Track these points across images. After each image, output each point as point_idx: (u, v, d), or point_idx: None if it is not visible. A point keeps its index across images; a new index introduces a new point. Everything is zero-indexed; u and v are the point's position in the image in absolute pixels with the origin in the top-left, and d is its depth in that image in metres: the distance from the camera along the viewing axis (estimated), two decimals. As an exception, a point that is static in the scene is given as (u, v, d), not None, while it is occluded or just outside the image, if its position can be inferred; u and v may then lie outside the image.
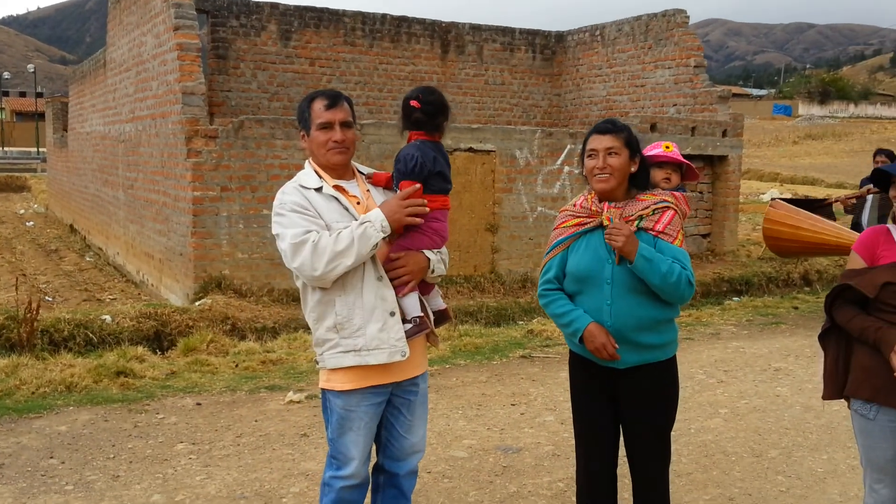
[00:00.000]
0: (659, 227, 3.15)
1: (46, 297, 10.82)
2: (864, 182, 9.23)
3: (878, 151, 8.99)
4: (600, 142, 3.18)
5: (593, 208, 3.23)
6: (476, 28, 16.34)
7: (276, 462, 4.80)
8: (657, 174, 3.62)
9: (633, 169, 3.22)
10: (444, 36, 15.90)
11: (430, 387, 6.30)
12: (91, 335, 7.93)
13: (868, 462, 3.17)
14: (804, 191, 28.20)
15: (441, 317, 3.41)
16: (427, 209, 3.14)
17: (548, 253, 3.33)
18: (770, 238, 9.51)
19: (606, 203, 3.21)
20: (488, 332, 8.42)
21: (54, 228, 19.80)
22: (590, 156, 3.22)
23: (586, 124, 15.85)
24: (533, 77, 16.81)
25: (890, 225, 3.18)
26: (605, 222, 3.15)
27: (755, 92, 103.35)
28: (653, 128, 12.33)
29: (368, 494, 3.36)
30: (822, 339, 3.29)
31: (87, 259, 15.05)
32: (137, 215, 12.23)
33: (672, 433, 5.31)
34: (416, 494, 4.28)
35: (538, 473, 4.70)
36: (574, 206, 3.32)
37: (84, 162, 17.33)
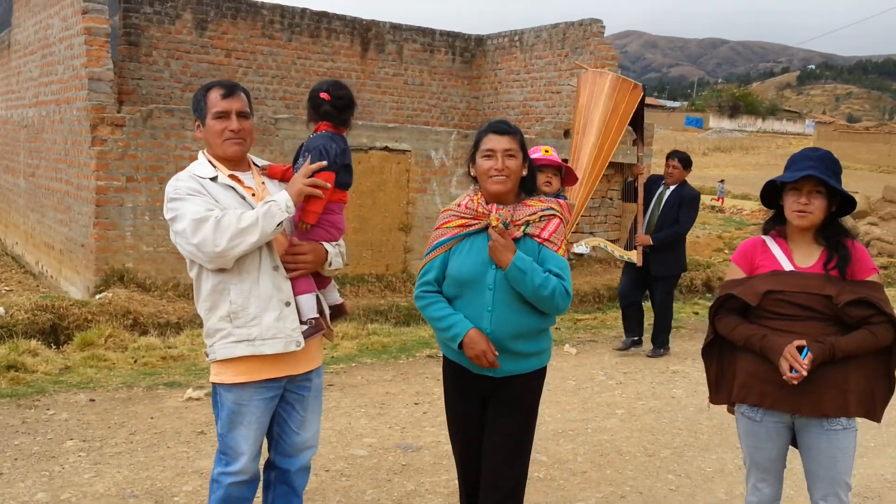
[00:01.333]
0: (545, 234, 3.13)
1: (-64, 287, 10.31)
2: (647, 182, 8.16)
3: (672, 154, 8.10)
4: (499, 142, 3.11)
5: (479, 210, 3.14)
6: (397, 27, 16.32)
7: (170, 460, 4.69)
8: (538, 178, 3.64)
9: (524, 173, 3.19)
10: (365, 34, 15.83)
11: (334, 385, 6.29)
12: (-19, 327, 7.59)
13: (753, 462, 3.28)
14: (711, 201, 29.19)
15: (337, 311, 3.41)
16: (329, 187, 3.11)
17: (428, 253, 3.24)
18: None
19: (494, 205, 3.15)
20: (397, 331, 8.43)
21: (-51, 215, 18.85)
22: (486, 156, 3.13)
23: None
24: (452, 79, 16.89)
25: (765, 237, 3.28)
26: (494, 222, 3.08)
27: (669, 103, 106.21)
28: (566, 133, 12.57)
29: (260, 492, 3.33)
30: (705, 351, 3.38)
31: (-17, 248, 14.39)
32: (38, 204, 11.77)
33: (570, 433, 5.46)
34: (312, 493, 4.26)
35: (436, 472, 4.73)
36: (458, 206, 3.23)
37: (-17, 146, 16.56)
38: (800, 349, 3.00)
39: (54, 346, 7.45)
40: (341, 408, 5.80)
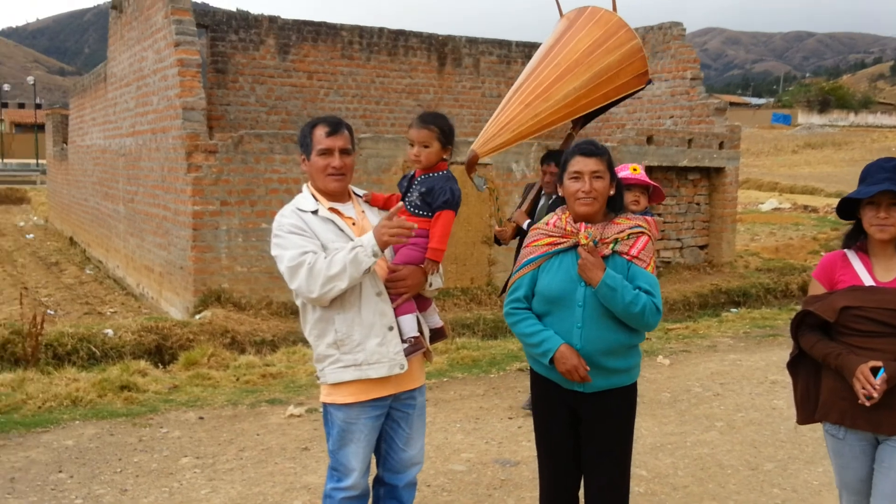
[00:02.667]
0: (634, 251, 3.15)
1: (49, 311, 10.90)
2: (527, 189, 6.52)
3: (548, 157, 6.18)
4: (586, 164, 3.16)
5: (568, 228, 3.20)
6: (472, 41, 16.46)
7: (279, 476, 4.87)
8: (626, 197, 3.63)
9: (611, 192, 3.22)
10: (441, 49, 16.02)
11: (429, 400, 6.38)
12: (94, 349, 8.01)
13: (842, 483, 3.22)
14: (804, 200, 28.32)
15: (437, 334, 3.50)
16: (412, 228, 3.18)
17: (517, 271, 3.30)
18: None
19: (583, 224, 3.18)
20: (485, 344, 8.48)
21: (54, 241, 19.89)
22: (574, 178, 3.18)
23: (583, 136, 15.93)
24: (531, 89, 16.90)
25: (846, 250, 3.22)
26: (583, 240, 3.14)
27: (754, 101, 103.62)
28: (649, 140, 12.44)
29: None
30: (791, 367, 3.33)
31: (88, 272, 15.13)
32: (137, 228, 12.32)
33: (669, 446, 5.41)
34: (415, 508, 4.35)
35: (535, 487, 4.73)
36: (547, 224, 3.28)
37: (84, 175, 17.43)
38: (875, 370, 2.95)
39: (160, 366, 7.78)
40: (437, 423, 5.89)
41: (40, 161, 44.68)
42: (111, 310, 11.55)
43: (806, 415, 3.30)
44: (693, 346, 8.66)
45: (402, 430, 3.39)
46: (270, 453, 5.26)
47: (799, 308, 3.28)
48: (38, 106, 65.64)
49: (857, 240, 3.19)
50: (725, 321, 10.20)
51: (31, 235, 20.89)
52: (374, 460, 3.43)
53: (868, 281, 3.08)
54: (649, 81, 5.31)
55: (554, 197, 5.93)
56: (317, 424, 5.74)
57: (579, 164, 3.18)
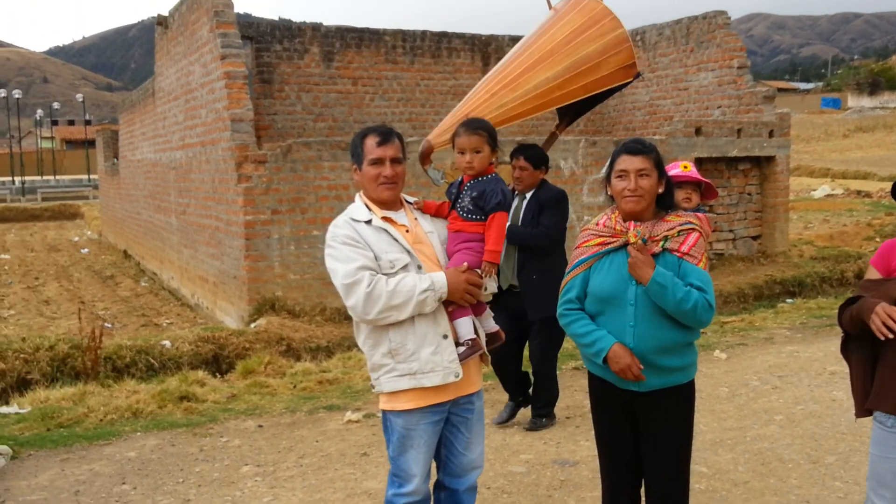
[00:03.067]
0: (684, 248, 3.13)
1: (106, 324, 11.17)
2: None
3: (518, 151, 5.71)
4: (631, 163, 3.16)
5: (617, 227, 3.20)
6: (516, 39, 16.40)
7: (339, 482, 4.92)
8: (678, 194, 3.58)
9: (660, 190, 3.20)
10: (485, 49, 16.02)
11: (485, 402, 6.38)
12: (152, 361, 8.19)
13: (874, 473, 3.08)
14: (857, 185, 27.65)
15: (493, 338, 3.50)
16: (483, 285, 3.27)
17: (569, 272, 3.30)
18: None
19: (631, 222, 3.18)
20: (539, 344, 8.44)
21: (109, 255, 20.36)
22: (620, 176, 3.18)
23: (630, 130, 15.81)
24: (574, 85, 16.80)
25: None
26: (632, 238, 3.11)
27: (802, 86, 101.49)
28: (698, 131, 12.27)
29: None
30: (844, 352, 3.20)
31: (143, 284, 15.46)
32: (190, 240, 12.55)
33: (728, 442, 5.34)
34: (476, 511, 4.36)
35: (595, 486, 4.72)
36: (597, 224, 3.29)
37: (136, 188, 17.82)
38: None
39: (218, 375, 7.92)
40: (494, 425, 5.88)
41: (92, 176, 45.79)
42: (167, 321, 11.79)
43: (861, 406, 3.17)
44: (749, 339, 8.52)
45: (461, 435, 3.40)
46: (330, 459, 5.32)
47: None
48: (88, 122, 67.33)
49: None
50: (781, 312, 10.01)
51: (86, 250, 21.43)
52: (434, 465, 3.45)
53: None
54: (638, 75, 4.95)
55: (528, 195, 5.65)
56: (375, 430, 5.79)
57: (625, 162, 3.18)
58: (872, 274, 3.12)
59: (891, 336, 2.80)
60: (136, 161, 17.95)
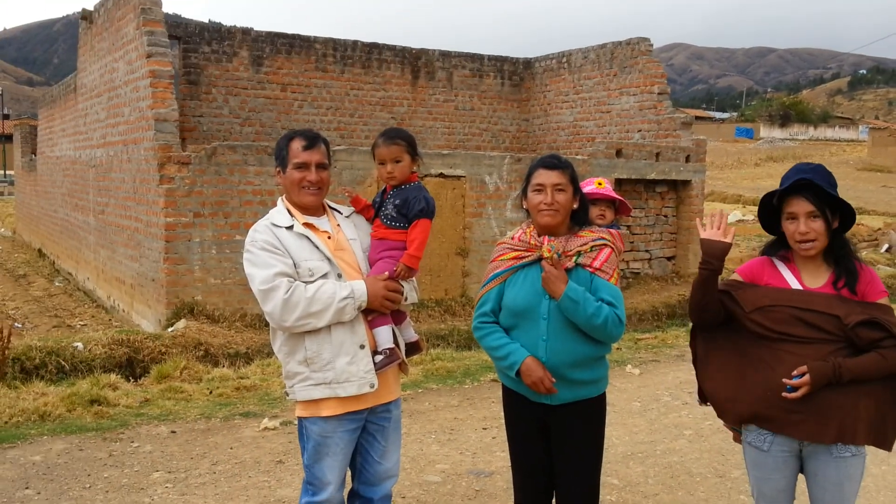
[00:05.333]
0: (596, 263, 3.18)
1: (16, 324, 10.76)
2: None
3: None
4: (548, 177, 3.20)
5: (532, 242, 3.24)
6: (446, 55, 16.59)
7: (253, 490, 4.87)
8: (592, 211, 3.64)
9: (574, 206, 3.26)
10: (415, 62, 16.12)
11: (404, 411, 6.42)
12: (63, 363, 7.92)
13: (760, 494, 3.16)
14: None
15: (413, 348, 3.53)
16: (403, 294, 3.31)
17: (484, 285, 3.33)
18: None
19: (546, 237, 3.22)
20: (460, 355, 8.54)
21: (22, 253, 19.62)
22: (536, 190, 3.22)
23: (554, 149, 16.14)
24: (502, 103, 17.08)
25: (773, 258, 3.18)
26: (546, 253, 3.15)
27: (718, 115, 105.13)
28: (619, 153, 12.62)
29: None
30: (693, 341, 3.31)
31: (57, 284, 14.96)
32: (108, 240, 12.22)
33: (639, 455, 5.50)
34: (391, 519, 4.38)
35: (509, 497, 4.79)
36: (512, 238, 3.33)
37: (54, 186, 17.25)
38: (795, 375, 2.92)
39: (132, 380, 7.73)
40: (412, 434, 5.92)
41: (7, 172, 43.96)
42: (81, 323, 11.43)
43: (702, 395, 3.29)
44: (662, 356, 8.79)
45: (377, 443, 3.40)
46: (244, 467, 5.26)
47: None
48: (6, 116, 64.61)
49: (778, 250, 3.16)
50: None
51: (-3, 247, 20.60)
52: (349, 474, 3.45)
53: (796, 286, 3.04)
54: None
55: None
56: (291, 437, 5.75)
57: (542, 176, 3.23)
58: (736, 279, 3.20)
59: (786, 395, 2.91)
60: (54, 158, 17.38)
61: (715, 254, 3.07)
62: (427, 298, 10.94)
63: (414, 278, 3.46)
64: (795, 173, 3.04)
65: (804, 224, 2.99)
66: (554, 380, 3.15)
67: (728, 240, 3.08)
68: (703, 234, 3.11)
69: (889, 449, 3.06)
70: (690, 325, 3.34)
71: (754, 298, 3.04)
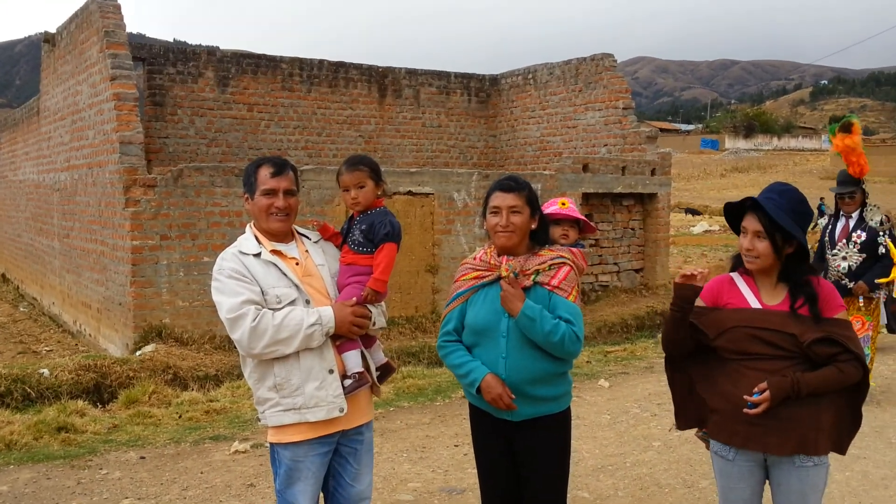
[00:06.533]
0: (554, 282, 3.23)
1: (-21, 351, 10.59)
2: None
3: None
4: (503, 199, 3.26)
5: (492, 262, 3.31)
6: (412, 72, 16.68)
7: (224, 513, 4.84)
8: (555, 231, 3.70)
9: (533, 226, 3.32)
10: (382, 80, 16.19)
11: (375, 430, 6.39)
12: (29, 390, 7.83)
13: (726, 502, 3.22)
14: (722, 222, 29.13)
15: (385, 370, 3.55)
16: (370, 319, 3.33)
17: (447, 305, 3.40)
18: None
19: (505, 256, 3.29)
20: (431, 372, 8.56)
21: (-16, 278, 19.29)
22: (493, 213, 3.29)
23: (521, 164, 16.27)
24: (469, 119, 17.20)
25: (733, 274, 3.25)
26: (504, 272, 3.22)
27: (683, 127, 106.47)
28: (585, 168, 12.76)
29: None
30: (669, 364, 3.39)
31: (22, 309, 14.74)
32: (74, 265, 12.09)
33: (609, 468, 5.55)
34: (363, 539, 4.38)
35: (482, 513, 4.84)
36: (474, 259, 3.40)
37: (17, 210, 17.03)
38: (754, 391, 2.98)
39: (100, 405, 7.64)
40: (383, 453, 5.93)
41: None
42: (47, 348, 11.28)
43: (682, 420, 3.35)
44: (631, 368, 8.87)
45: (349, 466, 3.41)
46: (215, 491, 5.23)
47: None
48: (-35, 139, 63.66)
49: (742, 263, 3.23)
50: (660, 342, 10.44)
51: (-41, 273, 20.23)
52: (321, 498, 3.46)
53: (755, 304, 3.12)
54: None
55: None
56: (262, 460, 5.73)
57: (498, 199, 3.30)
58: (698, 304, 3.25)
59: (747, 410, 2.98)
60: (17, 181, 17.17)
61: (686, 297, 3.16)
62: (397, 316, 10.95)
63: (382, 303, 3.49)
64: (763, 191, 3.13)
65: (749, 241, 3.10)
66: (514, 396, 3.19)
67: (699, 284, 3.15)
68: (677, 279, 3.17)
69: (844, 453, 3.15)
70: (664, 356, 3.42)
71: (716, 323, 3.13)
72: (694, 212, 36.64)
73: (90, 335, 11.27)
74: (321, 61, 15.72)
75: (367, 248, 3.39)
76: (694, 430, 3.42)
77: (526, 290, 3.23)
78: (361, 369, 3.32)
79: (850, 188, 6.91)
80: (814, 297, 3.06)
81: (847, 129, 6.12)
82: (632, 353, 9.74)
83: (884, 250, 6.85)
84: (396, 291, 10.96)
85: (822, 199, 31.42)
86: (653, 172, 13.69)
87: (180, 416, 6.97)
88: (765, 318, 3.07)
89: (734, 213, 3.23)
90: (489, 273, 3.31)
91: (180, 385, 8.30)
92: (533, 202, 3.33)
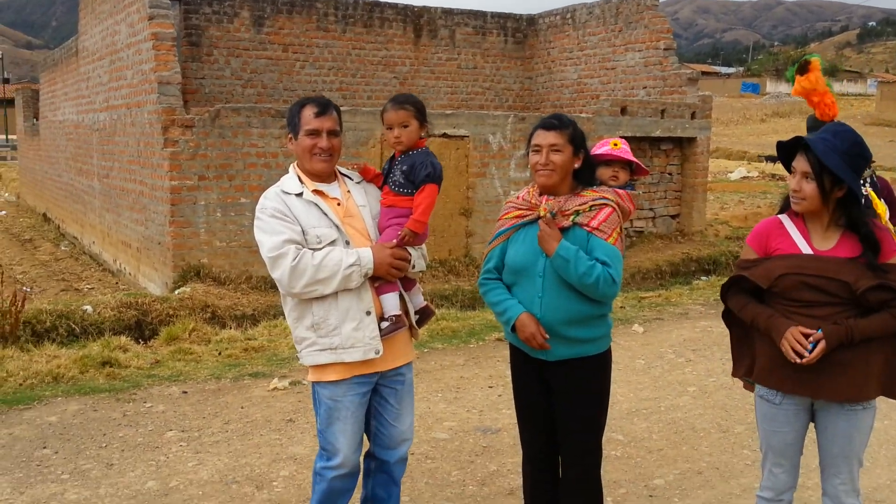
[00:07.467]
0: (594, 223, 3.20)
1: (24, 288, 10.85)
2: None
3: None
4: (545, 138, 3.24)
5: (533, 201, 3.30)
6: (448, 12, 16.42)
7: (265, 447, 4.98)
8: (604, 172, 3.65)
9: (576, 165, 3.28)
10: (417, 20, 15.97)
11: (416, 373, 6.51)
12: (73, 326, 8.02)
13: (769, 446, 3.22)
14: (771, 169, 28.64)
15: (424, 313, 3.56)
16: (409, 262, 3.33)
17: (490, 243, 3.41)
18: None
19: (546, 196, 3.28)
20: (464, 315, 8.62)
21: (27, 218, 19.69)
22: (535, 151, 3.27)
23: (558, 107, 16.05)
24: (505, 61, 16.94)
25: (782, 217, 3.17)
26: (542, 213, 3.21)
27: (724, 70, 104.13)
28: (623, 111, 12.55)
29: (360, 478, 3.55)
30: (726, 317, 3.33)
31: (63, 248, 15.04)
32: (113, 204, 12.26)
33: (644, 411, 5.59)
34: (400, 475, 4.48)
35: (517, 452, 4.87)
36: (517, 198, 3.40)
37: (57, 150, 17.24)
38: (806, 335, 2.94)
39: (141, 342, 7.83)
40: (419, 393, 5.99)
41: (10, 136, 43.84)
42: (88, 286, 11.53)
43: (739, 368, 3.30)
44: (666, 314, 8.86)
45: (390, 407, 3.46)
46: (255, 425, 5.36)
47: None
48: (6, 81, 64.18)
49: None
50: (696, 289, 10.41)
51: (3, 212, 20.66)
52: (366, 436, 3.52)
53: (805, 249, 3.05)
54: None
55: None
56: (301, 397, 5.85)
57: (539, 137, 3.27)
58: (749, 254, 3.21)
59: (800, 361, 2.93)
60: (57, 122, 17.35)
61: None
62: (431, 259, 10.97)
63: (423, 246, 3.48)
64: (819, 131, 3.04)
65: (797, 182, 3.02)
66: (547, 336, 3.20)
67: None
68: (784, 350, 3.00)
69: (895, 397, 3.11)
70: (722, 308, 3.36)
71: (767, 273, 3.07)
72: (772, 159, 35.98)
73: (130, 274, 11.48)
74: (356, 1, 15.52)
75: (407, 189, 3.37)
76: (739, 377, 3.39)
77: (564, 230, 3.21)
78: (399, 312, 3.34)
79: None
80: (876, 245, 2.99)
81: (804, 69, 5.75)
82: (667, 299, 9.71)
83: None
84: (430, 235, 10.96)
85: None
86: (693, 116, 13.42)
87: (220, 354, 7.12)
88: (818, 264, 3.00)
89: (788, 152, 3.13)
90: (530, 212, 3.30)
91: (218, 323, 8.45)
92: (577, 141, 3.28)
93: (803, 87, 5.76)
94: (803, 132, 3.81)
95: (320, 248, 3.19)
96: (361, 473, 3.55)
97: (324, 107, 3.28)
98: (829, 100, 6.05)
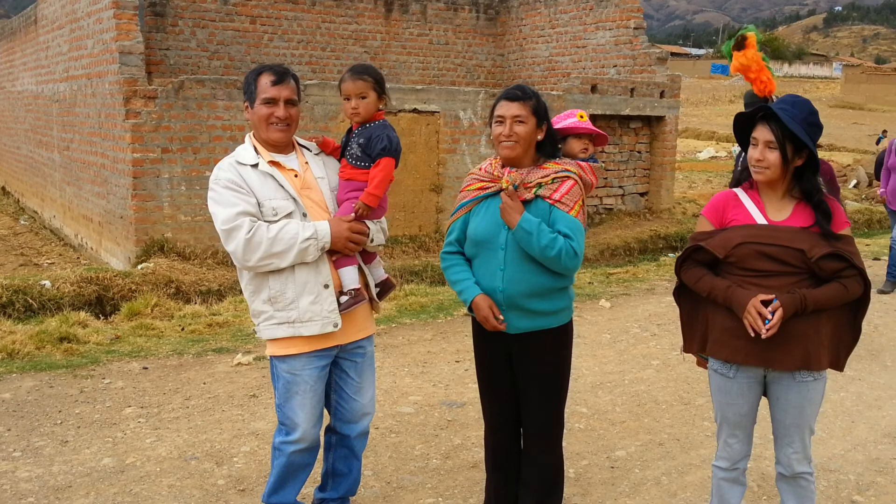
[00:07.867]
0: (556, 195, 3.17)
1: (-18, 262, 10.61)
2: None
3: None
4: (508, 109, 3.18)
5: (495, 173, 3.25)
6: (419, -13, 16.23)
7: (226, 423, 4.89)
8: (575, 145, 3.59)
9: (539, 137, 3.23)
10: (387, -6, 15.77)
11: (377, 346, 6.45)
12: (31, 301, 7.84)
13: (724, 418, 3.25)
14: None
15: (385, 286, 3.51)
16: (367, 236, 3.27)
17: (452, 215, 3.36)
18: None
19: (508, 168, 3.23)
20: (433, 290, 8.57)
21: (-14, 191, 19.23)
22: (497, 122, 3.21)
23: (529, 84, 15.95)
24: (477, 37, 16.81)
25: (737, 190, 3.20)
26: (504, 185, 3.16)
27: (694, 51, 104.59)
28: (593, 89, 12.52)
29: (320, 453, 3.49)
30: (676, 294, 3.34)
31: (22, 222, 14.73)
32: (74, 177, 12.00)
33: (608, 385, 5.59)
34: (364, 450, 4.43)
35: (481, 426, 4.84)
36: (479, 170, 3.35)
37: (16, 122, 16.83)
38: (765, 303, 2.95)
39: (102, 317, 7.67)
40: (385, 367, 5.97)
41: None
42: (48, 261, 11.30)
43: (691, 344, 3.30)
44: (632, 290, 8.88)
45: (351, 380, 3.41)
46: (217, 401, 5.27)
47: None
48: (-37, 50, 62.67)
49: (749, 177, 3.16)
50: (663, 265, 10.46)
51: (-39, 185, 20.16)
52: (327, 410, 3.46)
53: (760, 219, 3.08)
54: None
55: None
56: (265, 372, 5.77)
57: (502, 108, 3.21)
58: (704, 226, 3.21)
59: (763, 335, 2.93)
60: (15, 93, 16.92)
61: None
62: (401, 234, 10.91)
63: (383, 219, 3.42)
64: (776, 102, 3.05)
65: (760, 152, 3.03)
66: (501, 317, 3.17)
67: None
68: (747, 324, 2.99)
69: (842, 369, 3.16)
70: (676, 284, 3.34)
71: (723, 243, 3.08)
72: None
73: (92, 248, 11.26)
74: (325, -27, 15.27)
75: (364, 162, 3.30)
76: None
77: (526, 203, 3.17)
78: (358, 286, 3.28)
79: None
80: (829, 216, 3.03)
81: (740, 45, 5.68)
82: (634, 275, 9.74)
83: None
84: (400, 210, 10.90)
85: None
86: (661, 95, 13.44)
87: (183, 329, 7.00)
88: (772, 234, 3.02)
89: (744, 128, 3.15)
90: (492, 184, 3.25)
91: (183, 299, 8.31)
92: (540, 112, 3.22)
93: (740, 62, 5.68)
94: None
95: (276, 221, 3.11)
96: (322, 448, 3.49)
97: (281, 75, 3.19)
98: (766, 76, 5.99)
